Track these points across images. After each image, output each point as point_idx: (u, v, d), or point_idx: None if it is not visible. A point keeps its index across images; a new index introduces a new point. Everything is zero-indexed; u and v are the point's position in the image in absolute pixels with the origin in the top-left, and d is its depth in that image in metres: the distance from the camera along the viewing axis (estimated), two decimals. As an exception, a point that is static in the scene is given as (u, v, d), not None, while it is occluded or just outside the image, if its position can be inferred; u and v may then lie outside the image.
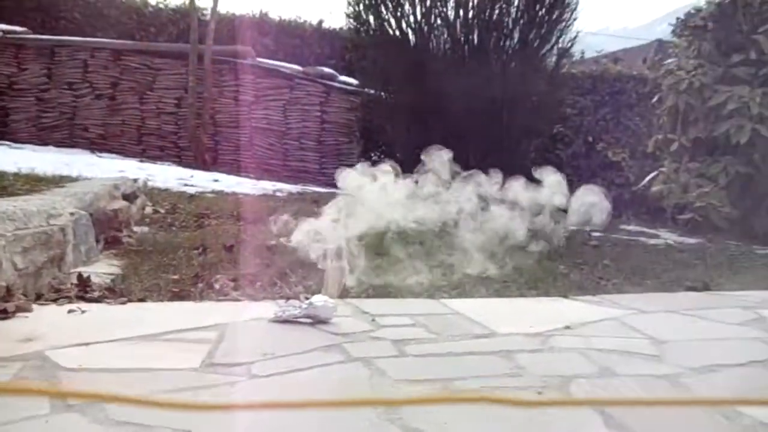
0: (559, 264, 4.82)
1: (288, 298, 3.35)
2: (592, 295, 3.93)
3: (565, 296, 3.86)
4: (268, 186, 8.18)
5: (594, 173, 10.52)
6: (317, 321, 2.96)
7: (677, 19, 8.44)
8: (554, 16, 8.51)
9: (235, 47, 10.41)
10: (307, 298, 3.09)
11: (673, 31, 8.51)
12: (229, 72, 10.25)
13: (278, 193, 7.70)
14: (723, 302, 3.90)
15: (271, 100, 10.16)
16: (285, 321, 2.95)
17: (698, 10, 8.12)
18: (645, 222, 8.69)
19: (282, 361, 2.41)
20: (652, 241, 6.74)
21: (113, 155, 9.59)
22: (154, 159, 9.79)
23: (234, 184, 7.91)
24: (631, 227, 7.91)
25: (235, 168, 9.70)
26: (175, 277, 3.64)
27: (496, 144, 7.98)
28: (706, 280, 4.59)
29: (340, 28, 11.64)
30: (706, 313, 3.54)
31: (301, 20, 12.16)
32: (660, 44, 13.52)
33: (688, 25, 8.09)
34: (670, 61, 8.32)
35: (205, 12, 10.94)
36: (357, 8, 9.12)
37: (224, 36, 10.57)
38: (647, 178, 8.51)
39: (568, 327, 3.08)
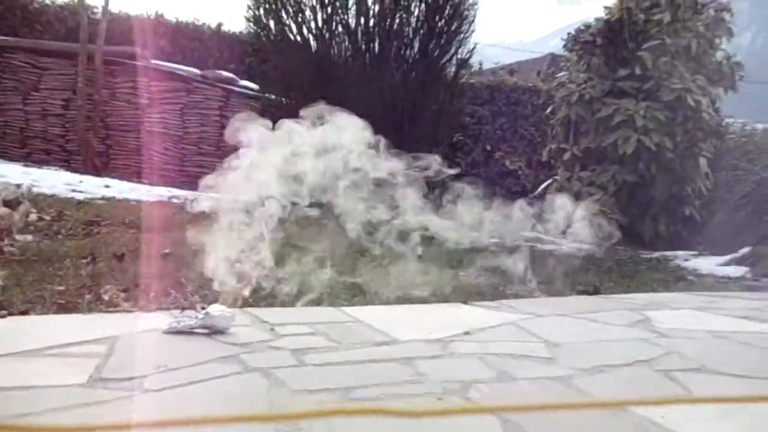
0: (459, 271, 4.90)
1: (183, 309, 3.22)
2: (491, 301, 4.02)
3: (465, 302, 3.92)
4: (163, 192, 7.90)
5: (492, 181, 10.81)
6: (214, 331, 2.86)
7: (568, 34, 8.82)
8: (453, 27, 8.71)
9: (129, 48, 10.02)
10: (203, 308, 2.99)
11: (565, 46, 8.88)
12: (122, 73, 9.85)
13: (174, 200, 7.45)
14: (612, 305, 4.08)
15: (167, 103, 9.84)
16: (180, 332, 2.84)
17: (588, 26, 8.51)
18: (542, 229, 8.98)
19: (176, 374, 2.32)
20: (547, 247, 6.97)
21: (-6, 159, 9.00)
22: (40, 163, 9.26)
23: (126, 190, 7.60)
24: (528, 234, 8.16)
25: (127, 173, 9.32)
26: (61, 288, 3.44)
27: (396, 151, 8.04)
28: (596, 284, 4.79)
29: (240, 32, 11.45)
30: (596, 316, 3.69)
31: (200, 23, 11.88)
32: (553, 58, 14.11)
33: (578, 41, 8.46)
34: (562, 74, 8.67)
35: (95, 10, 10.49)
36: (257, 12, 9.01)
37: (117, 36, 10.15)
38: (542, 186, 8.82)
39: (467, 332, 3.12)
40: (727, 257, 6.46)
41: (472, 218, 4.07)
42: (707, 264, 6.32)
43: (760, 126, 9.15)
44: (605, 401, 2.22)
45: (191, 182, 9.34)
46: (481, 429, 1.99)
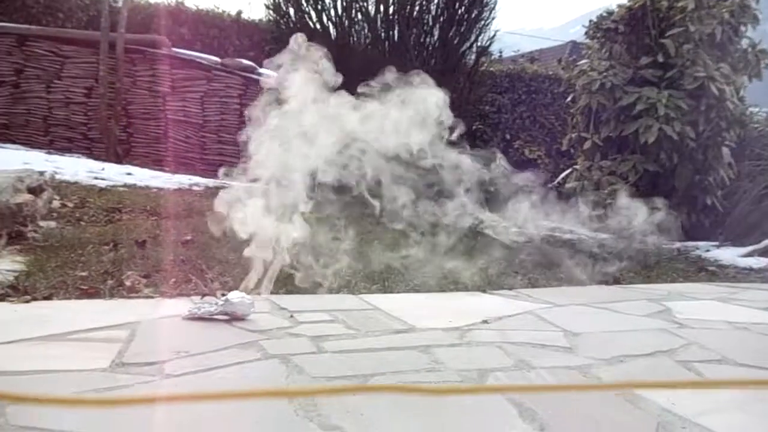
0: (478, 259, 4.89)
1: (203, 295, 3.26)
2: (509, 290, 4.01)
3: (483, 291, 3.92)
4: (184, 180, 7.96)
5: (511, 170, 10.76)
6: (234, 318, 2.89)
7: (590, 21, 8.72)
8: (473, 15, 8.65)
9: (150, 36, 10.06)
10: (223, 295, 3.02)
11: (586, 33, 8.78)
12: (143, 62, 9.90)
13: (195, 187, 7.50)
14: (631, 295, 4.06)
15: (187, 91, 9.87)
16: (200, 318, 2.87)
17: (610, 13, 8.41)
18: (561, 218, 8.93)
19: (196, 360, 2.34)
20: (566, 236, 6.94)
21: (17, 146, 9.10)
22: (63, 151, 9.35)
23: (148, 178, 7.66)
24: (547, 223, 8.13)
25: (149, 161, 9.39)
26: (84, 274, 3.48)
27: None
28: (616, 274, 4.76)
29: (260, 20, 11.46)
30: (616, 306, 3.67)
31: (219, 10, 11.91)
32: (574, 45, 13.97)
33: (600, 28, 8.37)
34: (583, 62, 8.59)
35: (117, -1, 10.55)
36: (277, 0, 9.00)
37: (138, 24, 10.21)
38: (561, 176, 8.77)
39: (485, 321, 3.13)
40: (750, 248, 6.39)
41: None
42: (729, 255, 6.26)
43: (785, 115, 9.02)
44: (614, 384, 2.21)
45: (211, 170, 9.40)
46: (495, 411, 2.00)
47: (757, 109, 8.72)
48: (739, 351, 2.80)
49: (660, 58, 7.62)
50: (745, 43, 7.91)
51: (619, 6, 8.32)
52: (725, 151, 7.71)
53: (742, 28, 7.87)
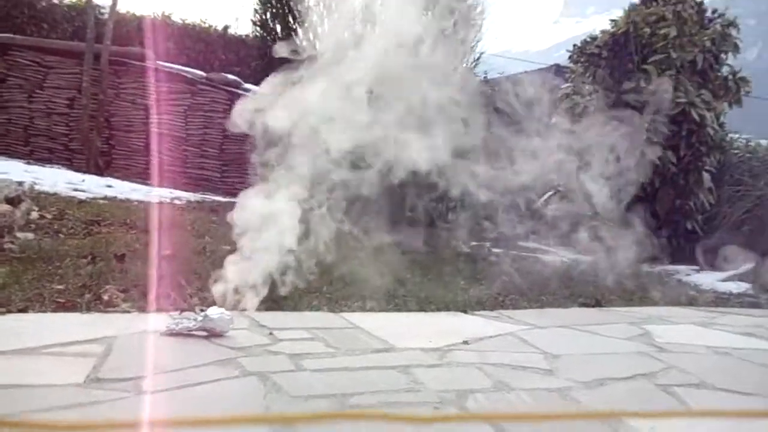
0: (459, 279, 4.89)
1: (182, 310, 3.21)
2: (490, 311, 4.00)
3: (464, 311, 3.91)
4: (165, 193, 7.90)
5: (495, 189, 10.78)
6: (212, 334, 2.85)
7: (574, 45, 8.81)
8: (459, 36, 8.69)
9: (135, 48, 10.03)
10: (202, 310, 2.98)
11: (570, 57, 8.87)
12: (127, 74, 9.86)
13: (176, 201, 7.45)
14: (612, 318, 4.06)
15: (171, 104, 9.83)
16: (178, 334, 2.83)
17: (594, 38, 8.51)
18: (543, 239, 8.97)
19: (173, 376, 2.30)
20: (549, 258, 6.96)
21: (-4, 156, 9.01)
22: (43, 161, 9.27)
23: (128, 191, 7.60)
24: (530, 244, 8.14)
25: (130, 174, 9.32)
26: (61, 287, 3.43)
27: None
28: (597, 296, 4.77)
29: (247, 36, 11.46)
30: (597, 329, 3.67)
31: (206, 25, 11.90)
32: (558, 69, 14.09)
33: (584, 52, 8.46)
34: (566, 85, 8.66)
35: (103, 10, 10.50)
36: (264, 16, 9.02)
37: (123, 36, 10.17)
38: (545, 196, 8.80)
39: (466, 342, 3.11)
40: (729, 273, 6.44)
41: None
42: (709, 279, 6.31)
43: (764, 142, 9.13)
44: (599, 412, 2.20)
45: (193, 184, 9.35)
46: (478, 439, 1.98)
47: (737, 136, 8.83)
48: (718, 376, 2.81)
49: (642, 83, 7.71)
50: (725, 70, 8.03)
51: (603, 32, 8.43)
52: (705, 176, 7.80)
53: (723, 56, 8.00)
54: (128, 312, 3.19)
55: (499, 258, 6.34)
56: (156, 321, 2.98)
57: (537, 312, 4.12)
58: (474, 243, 7.15)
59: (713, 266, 6.86)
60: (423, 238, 6.53)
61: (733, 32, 7.95)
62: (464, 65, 8.79)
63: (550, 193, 8.72)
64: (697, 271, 6.78)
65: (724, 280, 6.24)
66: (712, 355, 3.25)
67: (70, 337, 2.64)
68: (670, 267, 6.95)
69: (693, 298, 5.39)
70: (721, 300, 5.44)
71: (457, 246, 6.80)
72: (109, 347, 2.57)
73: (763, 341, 3.60)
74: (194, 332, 2.85)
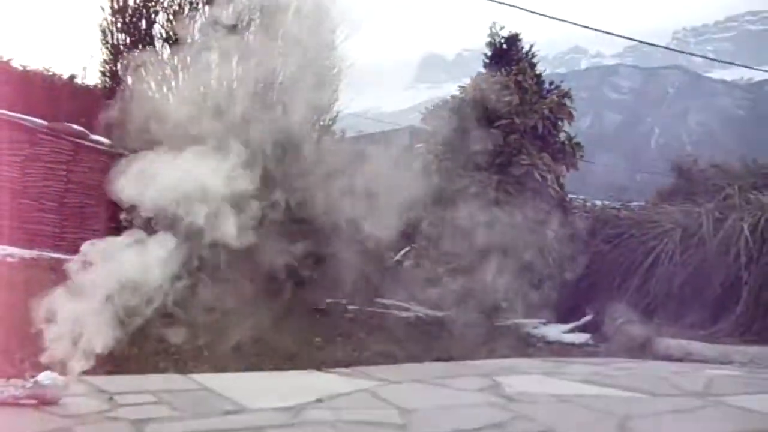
0: (315, 336, 4.82)
1: (9, 377, 2.91)
2: (345, 367, 3.96)
3: (319, 368, 3.84)
4: (-3, 250, 7.26)
5: (351, 246, 10.85)
6: (43, 402, 2.60)
7: (426, 108, 9.19)
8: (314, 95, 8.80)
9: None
10: (32, 376, 2.71)
11: (423, 119, 9.23)
12: (-42, 121, 9.08)
13: (8, 259, 6.86)
14: (464, 371, 4.14)
15: (6, 155, 9.13)
16: (3, 403, 2.56)
17: (445, 102, 8.92)
18: (398, 295, 9.08)
19: (-8, 452, 2.06)
20: (404, 314, 7.05)
21: None
22: None
23: (-47, 248, 6.91)
24: (386, 300, 8.22)
25: (-41, 229, 8.50)
26: None
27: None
28: (450, 350, 4.86)
29: (95, 85, 10.98)
30: (450, 382, 3.72)
31: (50, 72, 11.31)
32: (413, 130, 14.61)
33: (435, 116, 8.83)
34: (420, 145, 8.97)
35: (-70, 52, 9.71)
36: (114, 67, 8.70)
37: (-47, 80, 9.41)
38: (400, 253, 8.96)
39: (320, 400, 3.04)
40: (571, 325, 6.81)
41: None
42: (554, 331, 6.63)
43: (598, 202, 9.87)
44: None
45: (29, 240, 8.65)
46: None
47: (574, 197, 9.49)
48: (562, 422, 2.91)
49: (489, 146, 8.12)
50: (563, 136, 8.67)
51: (453, 96, 8.87)
52: (549, 233, 8.27)
53: (560, 123, 8.64)
54: (-58, 381, 2.85)
55: (354, 314, 6.34)
56: (-24, 390, 2.68)
57: (391, 367, 4.13)
58: (330, 300, 7.11)
59: (558, 319, 7.21)
60: (279, 295, 6.42)
61: (568, 102, 8.62)
62: (320, 123, 8.90)
63: (405, 249, 8.89)
64: (544, 323, 7.11)
65: (567, 332, 6.58)
66: (557, 403, 3.38)
67: None
68: (519, 320, 7.24)
69: (539, 350, 5.63)
70: (565, 350, 5.73)
71: (313, 302, 6.73)
72: None
73: (601, 387, 3.80)
74: (22, 401, 2.58)
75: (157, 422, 2.51)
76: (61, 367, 3.02)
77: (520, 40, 9.48)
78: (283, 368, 3.78)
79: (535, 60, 9.41)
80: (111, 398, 2.78)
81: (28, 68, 11.12)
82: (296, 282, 7.73)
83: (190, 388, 3.11)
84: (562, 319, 7.12)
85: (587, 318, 6.86)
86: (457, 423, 2.79)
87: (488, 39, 9.61)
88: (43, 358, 3.16)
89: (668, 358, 5.36)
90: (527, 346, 5.75)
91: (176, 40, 8.45)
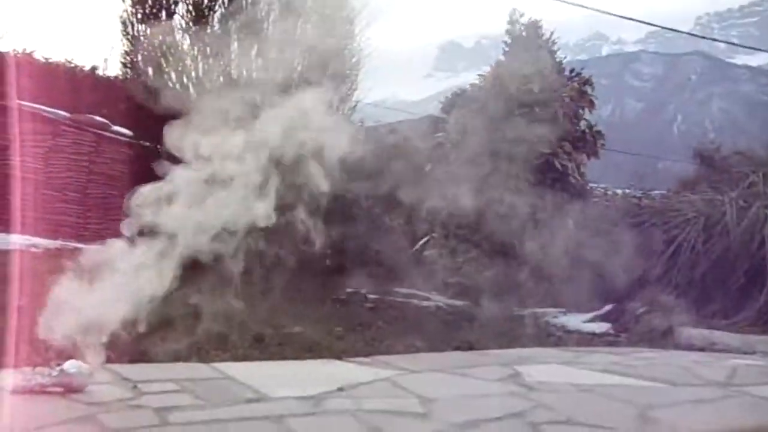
0: (336, 326, 4.85)
1: (36, 366, 2.96)
2: (366, 357, 3.97)
3: (339, 358, 3.86)
4: (20, 240, 7.36)
5: (372, 236, 10.86)
6: (69, 390, 2.65)
7: (445, 98, 9.17)
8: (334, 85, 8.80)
9: (-13, 86, 9.38)
10: (58, 365, 2.76)
11: (443, 108, 9.22)
12: (-23, 113, 9.19)
13: (32, 249, 6.97)
14: (484, 360, 4.14)
15: (30, 146, 9.24)
16: (31, 391, 2.60)
17: (464, 91, 8.90)
18: (418, 285, 9.09)
19: (20, 439, 2.11)
20: (424, 304, 7.06)
21: None
22: None
23: (-19, 238, 7.02)
24: (405, 290, 8.23)
25: (-19, 220, 8.62)
26: None
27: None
28: (470, 340, 4.86)
29: (116, 77, 11.05)
30: (470, 371, 3.72)
31: (72, 64, 11.40)
32: (432, 119, 14.56)
33: (455, 105, 8.81)
34: (439, 135, 8.96)
35: (-45, 46, 9.83)
36: (135, 58, 8.74)
37: (-24, 73, 9.51)
38: (420, 243, 8.96)
39: (341, 389, 3.06)
40: (592, 314, 6.78)
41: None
42: (574, 321, 6.60)
43: (619, 191, 9.80)
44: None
45: (53, 230, 8.77)
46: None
47: (595, 185, 9.43)
48: (583, 412, 2.91)
49: (509, 134, 8.08)
50: (583, 124, 8.61)
51: (472, 85, 8.84)
52: (569, 222, 8.23)
53: (581, 111, 8.57)
54: (-29, 369, 2.91)
55: (375, 304, 6.36)
56: (5, 378, 2.73)
57: (412, 357, 4.14)
58: (350, 290, 7.14)
59: (578, 308, 7.18)
60: (300, 285, 6.46)
61: (589, 89, 8.55)
62: (340, 113, 8.89)
63: (425, 239, 8.90)
64: (564, 313, 7.09)
65: (587, 321, 6.56)
66: (577, 392, 3.37)
67: None
68: (539, 310, 7.22)
69: (560, 339, 5.61)
70: (585, 340, 5.70)
71: (333, 292, 6.77)
72: (-53, 408, 2.32)
73: (622, 377, 3.78)
74: (49, 389, 2.63)
75: (181, 410, 2.54)
76: (86, 356, 3.07)
77: (540, 26, 9.42)
78: (304, 357, 3.81)
79: (555, 47, 9.34)
80: (135, 386, 2.82)
81: (50, 60, 11.22)
82: (322, 271, 7.78)
83: (213, 376, 3.15)
84: (582, 309, 7.09)
85: (607, 307, 6.82)
86: (478, 412, 2.80)
87: (508, 26, 9.56)
88: (68, 347, 3.22)
89: (690, 347, 5.32)
90: (547, 335, 5.74)
91: (196, 30, 8.50)
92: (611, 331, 6.13)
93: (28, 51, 11.12)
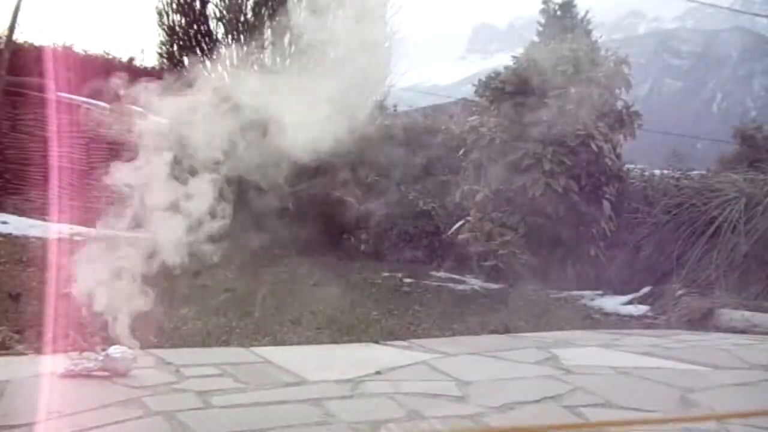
0: (372, 310, 4.89)
1: (82, 351, 3.06)
2: (403, 340, 4.01)
3: (377, 342, 3.90)
4: (65, 229, 7.55)
5: (406, 221, 10.87)
6: (114, 374, 2.73)
7: (479, 80, 9.08)
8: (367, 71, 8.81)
9: (33, 79, 9.61)
10: (103, 350, 2.84)
11: (476, 92, 9.13)
12: (24, 105, 9.42)
13: (77, 237, 7.13)
14: (521, 343, 4.14)
15: (73, 137, 9.45)
16: (78, 375, 2.69)
17: (498, 74, 8.80)
18: (453, 269, 9.10)
19: (71, 420, 2.18)
20: (460, 287, 7.07)
21: None
22: (-69, 197, 8.70)
23: (26, 227, 7.24)
24: (441, 274, 8.24)
25: (27, 209, 8.86)
26: (-53, 329, 3.21)
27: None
28: (507, 323, 4.86)
29: (153, 67, 11.21)
30: (507, 354, 3.74)
31: (110, 56, 11.58)
32: (465, 102, 14.47)
33: (489, 87, 8.72)
34: (473, 118, 8.90)
35: (-1, 40, 10.05)
36: (171, 48, 8.87)
37: (21, 66, 9.74)
38: (455, 227, 8.95)
39: (378, 372, 3.10)
40: (630, 296, 6.71)
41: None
42: (611, 303, 6.55)
43: (657, 172, 9.64)
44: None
45: (96, 219, 8.95)
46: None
47: (632, 166, 9.29)
48: (621, 394, 2.90)
49: (544, 117, 8.01)
50: (619, 104, 8.47)
51: (506, 67, 8.73)
52: (606, 204, 8.14)
53: (617, 91, 8.43)
54: (24, 354, 3.02)
55: (410, 288, 6.39)
56: (54, 363, 2.83)
57: (448, 340, 4.16)
58: (386, 273, 7.18)
59: (615, 290, 7.12)
60: (335, 270, 6.52)
61: (625, 69, 8.40)
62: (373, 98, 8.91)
63: (461, 222, 8.88)
64: (601, 295, 7.03)
65: (625, 304, 6.50)
66: (616, 375, 3.36)
67: (-43, 382, 2.47)
68: (576, 292, 7.18)
69: (597, 322, 5.58)
70: (623, 322, 5.66)
71: (369, 277, 6.82)
72: (2, 392, 2.42)
73: (661, 360, 3.76)
74: (95, 373, 2.72)
75: (222, 394, 2.60)
76: (130, 340, 3.16)
77: (575, 6, 9.28)
78: (342, 341, 3.86)
79: (590, 26, 9.19)
80: (177, 370, 2.89)
81: (88, 52, 11.42)
82: (358, 255, 7.84)
83: (252, 360, 3.21)
84: (620, 291, 7.02)
85: (646, 289, 6.75)
86: (515, 395, 2.81)
87: (542, 6, 9.42)
88: (112, 332, 3.31)
89: (731, 330, 5.24)
90: (584, 318, 5.70)
91: (229, 19, 8.58)
92: (649, 314, 6.06)
93: (66, 44, 11.33)
